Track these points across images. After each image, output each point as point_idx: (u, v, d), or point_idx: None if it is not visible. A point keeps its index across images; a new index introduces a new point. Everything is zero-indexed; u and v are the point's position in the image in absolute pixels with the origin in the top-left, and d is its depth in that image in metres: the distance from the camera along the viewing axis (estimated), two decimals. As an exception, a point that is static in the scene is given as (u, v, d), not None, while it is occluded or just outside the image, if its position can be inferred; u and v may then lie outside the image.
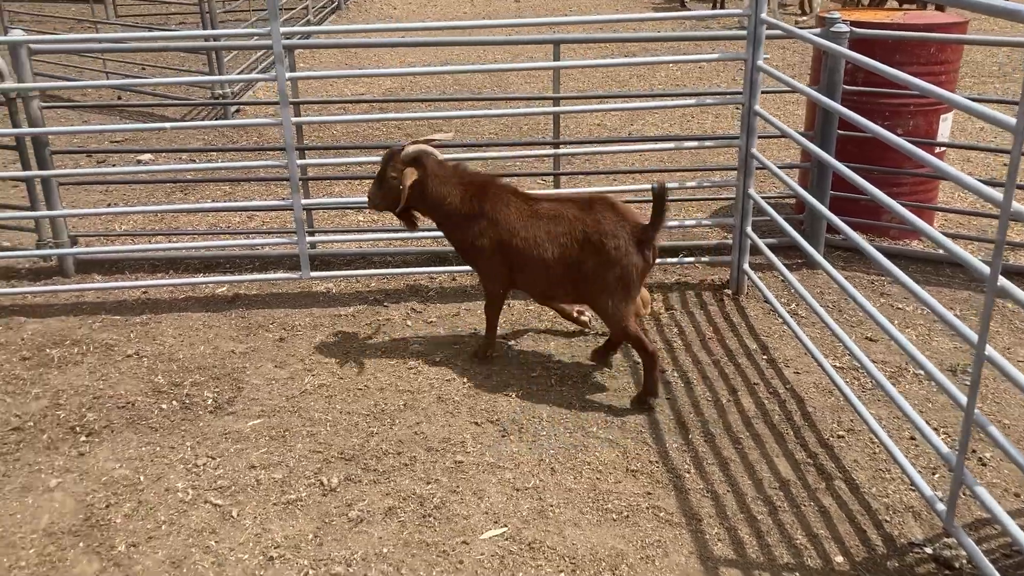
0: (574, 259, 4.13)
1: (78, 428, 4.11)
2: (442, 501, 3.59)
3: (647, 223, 4.08)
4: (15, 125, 5.20)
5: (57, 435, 4.07)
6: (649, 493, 3.61)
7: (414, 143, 4.37)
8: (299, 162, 4.97)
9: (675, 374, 4.45)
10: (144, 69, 10.93)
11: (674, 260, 5.44)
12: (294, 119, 4.88)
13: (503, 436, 4.00)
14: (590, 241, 4.08)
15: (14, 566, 3.28)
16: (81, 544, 3.39)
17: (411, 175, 4.29)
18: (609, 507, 3.52)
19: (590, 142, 7.40)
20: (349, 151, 6.97)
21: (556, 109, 5.19)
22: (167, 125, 4.90)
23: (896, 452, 3.53)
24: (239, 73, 9.91)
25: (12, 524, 3.49)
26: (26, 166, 5.26)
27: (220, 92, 8.56)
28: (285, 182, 6.58)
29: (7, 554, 3.34)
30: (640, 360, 4.26)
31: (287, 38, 4.78)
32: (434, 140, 4.50)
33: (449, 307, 5.20)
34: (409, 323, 5.04)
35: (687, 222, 5.44)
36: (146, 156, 7.74)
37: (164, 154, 7.68)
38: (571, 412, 4.17)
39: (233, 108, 8.76)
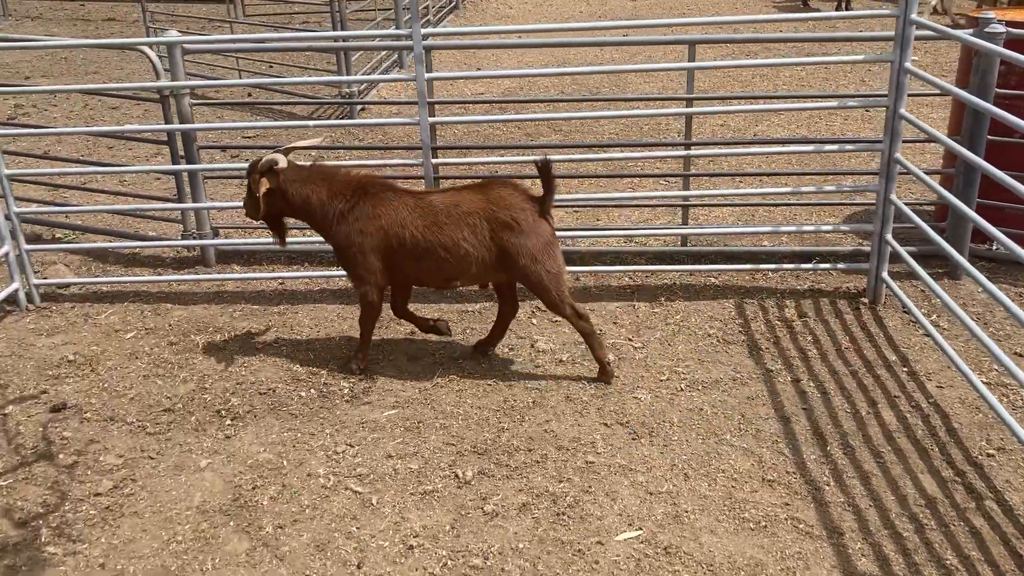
0: (489, 241, 4.26)
1: (223, 411, 4.30)
2: (575, 500, 3.60)
3: (541, 196, 4.27)
4: (167, 121, 5.47)
5: (204, 417, 4.27)
6: (787, 504, 3.54)
7: (274, 151, 4.49)
8: (433, 161, 5.06)
9: (811, 384, 4.35)
10: (272, 67, 11.32)
11: (808, 266, 5.31)
12: (431, 119, 4.97)
13: (633, 439, 3.99)
14: (499, 219, 4.23)
15: (172, 540, 3.46)
16: (231, 523, 3.54)
17: (264, 184, 4.37)
18: (746, 516, 3.47)
19: (723, 143, 7.29)
20: (476, 151, 7.05)
21: (689, 110, 5.13)
22: (311, 123, 5.07)
23: (1054, 474, 3.36)
24: (364, 73, 10.17)
25: (168, 500, 3.68)
26: (175, 160, 5.53)
27: (348, 91, 8.80)
28: (414, 180, 6.75)
29: (165, 528, 3.52)
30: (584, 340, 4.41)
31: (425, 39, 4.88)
32: (298, 146, 4.63)
33: (575, 307, 5.20)
34: (534, 322, 5.07)
35: (823, 227, 5.30)
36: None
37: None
38: (701, 418, 4.12)
39: (359, 107, 8.99)
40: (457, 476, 3.77)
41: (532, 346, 4.79)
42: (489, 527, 3.48)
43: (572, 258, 5.70)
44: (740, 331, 4.86)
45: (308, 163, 4.62)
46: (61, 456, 3.99)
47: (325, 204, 4.41)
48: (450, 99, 8.31)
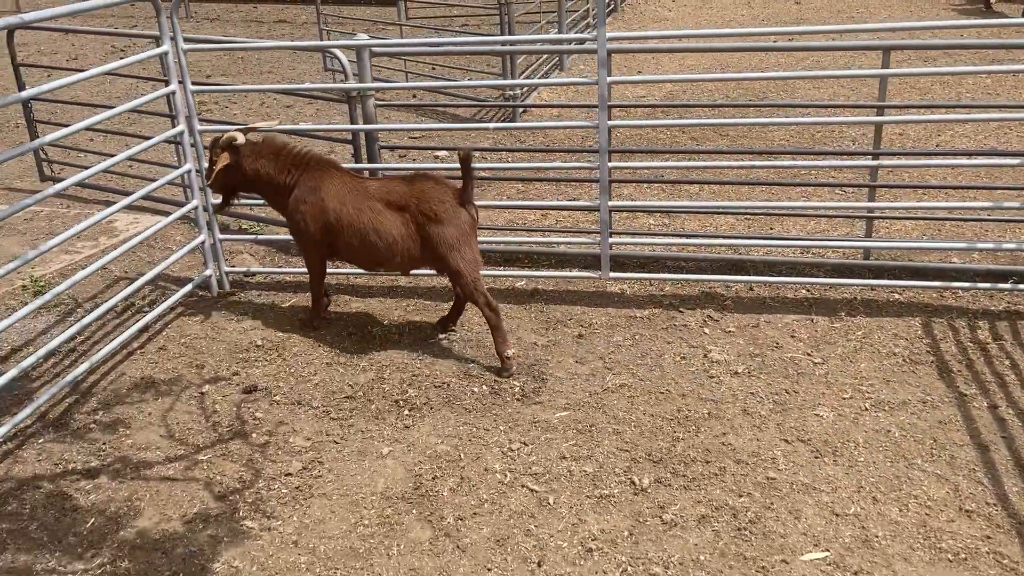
0: (414, 229, 4.61)
1: (401, 402, 4.44)
2: (756, 516, 3.52)
3: (460, 187, 4.59)
4: (352, 121, 5.70)
5: (384, 406, 4.41)
6: (989, 537, 3.33)
7: (235, 130, 4.87)
8: (609, 164, 5.05)
9: (1010, 411, 4.09)
10: (434, 70, 11.61)
11: (1005, 286, 4.99)
12: (609, 123, 4.97)
13: (816, 457, 3.86)
14: (422, 211, 4.58)
15: (359, 523, 3.60)
16: (414, 511, 3.65)
17: (224, 159, 4.82)
18: (943, 547, 3.30)
19: (918, 153, 6.96)
20: (647, 155, 6.99)
21: (880, 119, 4.92)
22: (491, 125, 5.17)
23: None
24: (522, 76, 10.28)
25: (354, 485, 3.83)
26: (359, 159, 5.75)
27: (511, 94, 8.92)
28: (578, 183, 6.77)
29: (352, 512, 3.66)
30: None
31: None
32: (259, 127, 5.01)
33: (748, 317, 5.09)
34: (706, 331, 4.99)
35: None
36: (442, 153, 8.22)
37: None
38: (889, 440, 3.95)
39: (520, 110, 9.10)
40: (633, 483, 3.75)
41: (705, 356, 4.71)
42: (668, 536, 3.44)
43: (744, 267, 5.58)
44: (928, 351, 4.62)
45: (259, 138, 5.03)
46: (254, 435, 4.21)
47: (273, 177, 4.87)
48: (626, 102, 8.25)
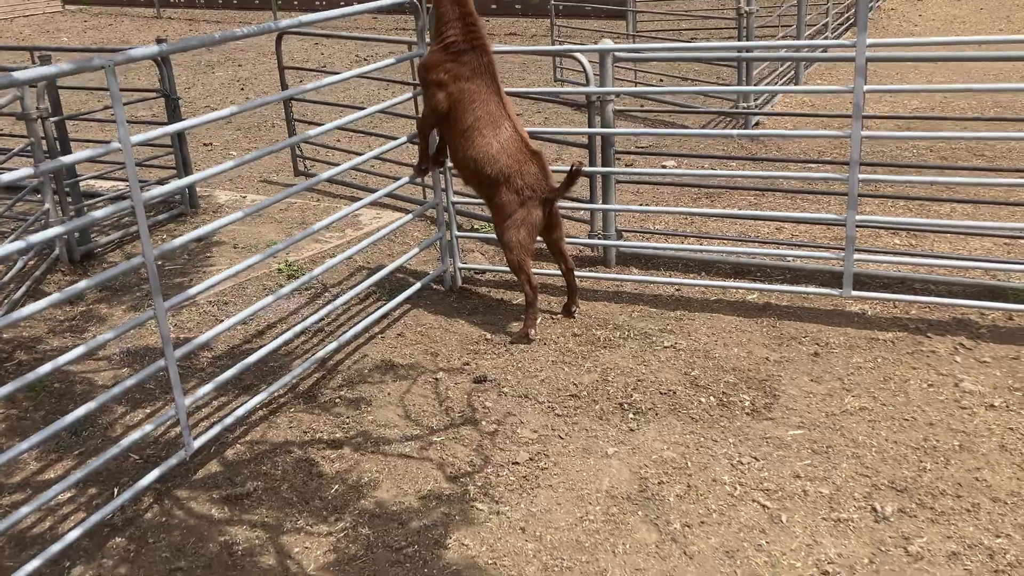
0: (496, 177, 4.98)
1: (625, 405, 4.43)
2: (1017, 559, 3.21)
3: (557, 185, 4.97)
4: (591, 126, 5.78)
5: (608, 408, 4.42)
6: None
7: None
8: (861, 177, 4.81)
9: None
10: (661, 81, 11.55)
11: None
12: (863, 133, 4.73)
13: (1089, 505, 3.47)
14: (507, 174, 4.93)
15: (584, 518, 3.62)
16: (639, 512, 3.63)
17: None
18: None
19: None
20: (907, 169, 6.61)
21: None
22: (734, 133, 5.07)
23: None
24: (762, 84, 10.01)
25: (579, 480, 3.86)
26: (593, 163, 5.81)
27: (745, 104, 8.72)
28: (816, 196, 6.50)
29: (577, 506, 3.70)
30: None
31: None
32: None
33: (1006, 348, 4.67)
34: (958, 359, 4.62)
35: None
36: (670, 162, 8.16)
37: (687, 160, 8.02)
38: None
39: (753, 120, 8.87)
40: (875, 509, 3.54)
41: (956, 385, 4.37)
42: (913, 569, 3.21)
43: (1003, 293, 5.12)
44: None
45: None
46: (483, 423, 4.35)
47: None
48: (882, 114, 7.80)
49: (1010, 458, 3.79)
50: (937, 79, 10.63)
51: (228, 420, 4.21)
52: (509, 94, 5.22)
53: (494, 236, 6.49)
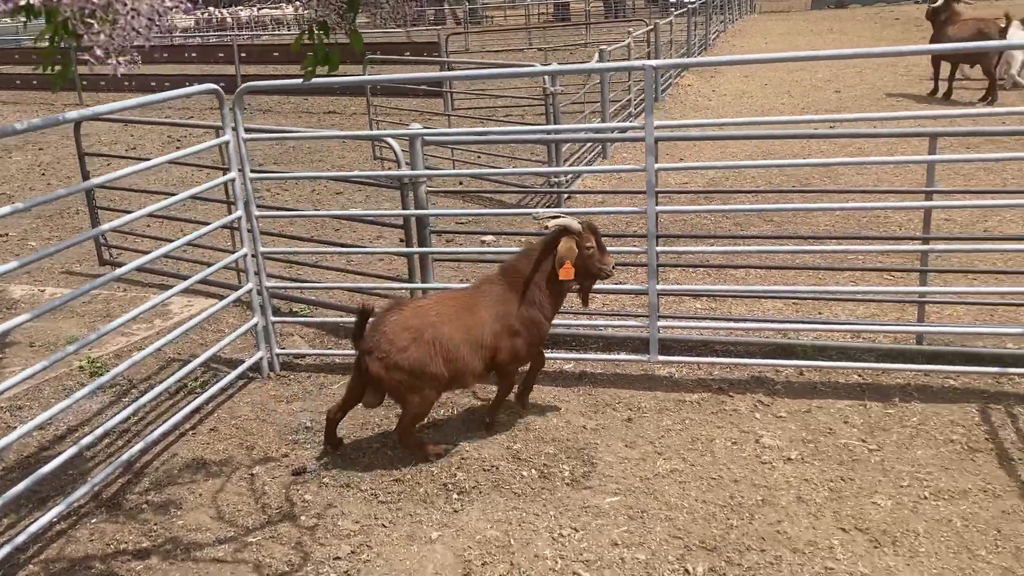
0: None
1: (450, 485, 4.42)
2: (815, 608, 3.41)
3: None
4: (404, 207, 5.84)
5: (432, 490, 4.40)
6: (1063, 634, 3.19)
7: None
8: (657, 249, 5.10)
9: (1078, 501, 3.96)
10: (479, 158, 11.86)
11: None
12: (657, 208, 5.04)
13: (875, 547, 3.75)
14: None
15: (408, 609, 3.55)
16: (464, 597, 3.60)
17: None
18: (1015, 643, 3.16)
19: (968, 238, 6.92)
20: (693, 240, 7.04)
21: (930, 204, 4.93)
22: (537, 211, 5.26)
23: None
24: (568, 165, 10.48)
25: (403, 570, 3.80)
26: (409, 243, 5.87)
27: (556, 180, 9.08)
28: (624, 267, 6.80)
29: (401, 596, 3.62)
30: None
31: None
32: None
33: (799, 402, 5.02)
34: (757, 415, 4.93)
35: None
36: (489, 237, 8.35)
37: (505, 237, 8.23)
38: (951, 529, 3.83)
39: (566, 196, 9.25)
40: (687, 571, 3.67)
41: (757, 441, 4.65)
42: (725, 628, 3.34)
43: (794, 351, 5.52)
44: (987, 439, 4.51)
45: None
46: (303, 518, 4.21)
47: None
48: (673, 189, 8.32)
49: (807, 508, 4.06)
50: (730, 150, 11.50)
51: (20, 539, 3.87)
52: (331, 179, 5.23)
53: (315, 319, 6.40)
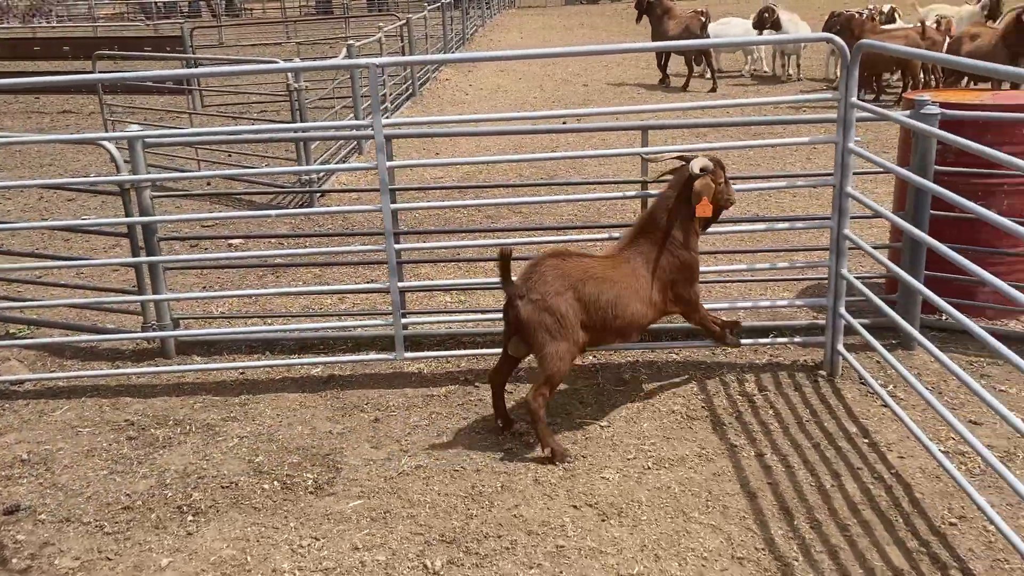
0: None
1: (185, 508, 4.21)
2: (546, 586, 3.56)
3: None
4: (127, 214, 5.48)
5: (164, 515, 4.17)
6: (758, 581, 3.53)
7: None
8: (396, 246, 5.11)
9: (775, 458, 4.39)
10: (230, 156, 11.38)
11: (765, 341, 5.41)
12: (392, 205, 5.04)
13: (603, 520, 3.97)
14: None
15: (131, 645, 3.34)
16: (194, 624, 3.44)
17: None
18: (718, 595, 3.46)
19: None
20: (440, 235, 7.12)
21: (645, 193, 5.28)
22: (272, 213, 5.12)
23: (1016, 540, 3.40)
24: (322, 161, 10.29)
25: (127, 603, 3.57)
26: (135, 252, 5.52)
27: (307, 179, 8.89)
28: (375, 265, 6.79)
29: (124, 633, 3.40)
30: None
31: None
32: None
33: (539, 388, 5.22)
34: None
35: (778, 303, 5.43)
36: (236, 241, 8.04)
37: (253, 239, 7.95)
38: (669, 495, 4.13)
39: (318, 194, 9.08)
40: (426, 567, 3.71)
41: (499, 429, 4.78)
42: (460, 618, 3.41)
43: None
44: (703, 407, 4.91)
45: None
46: (14, 561, 3.85)
47: None
48: (411, 185, 8.43)
49: (542, 490, 4.22)
50: (485, 145, 11.76)
51: None
52: (43, 187, 4.78)
53: (36, 340, 5.88)
